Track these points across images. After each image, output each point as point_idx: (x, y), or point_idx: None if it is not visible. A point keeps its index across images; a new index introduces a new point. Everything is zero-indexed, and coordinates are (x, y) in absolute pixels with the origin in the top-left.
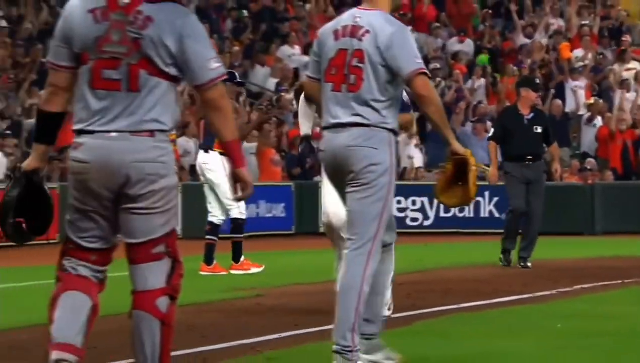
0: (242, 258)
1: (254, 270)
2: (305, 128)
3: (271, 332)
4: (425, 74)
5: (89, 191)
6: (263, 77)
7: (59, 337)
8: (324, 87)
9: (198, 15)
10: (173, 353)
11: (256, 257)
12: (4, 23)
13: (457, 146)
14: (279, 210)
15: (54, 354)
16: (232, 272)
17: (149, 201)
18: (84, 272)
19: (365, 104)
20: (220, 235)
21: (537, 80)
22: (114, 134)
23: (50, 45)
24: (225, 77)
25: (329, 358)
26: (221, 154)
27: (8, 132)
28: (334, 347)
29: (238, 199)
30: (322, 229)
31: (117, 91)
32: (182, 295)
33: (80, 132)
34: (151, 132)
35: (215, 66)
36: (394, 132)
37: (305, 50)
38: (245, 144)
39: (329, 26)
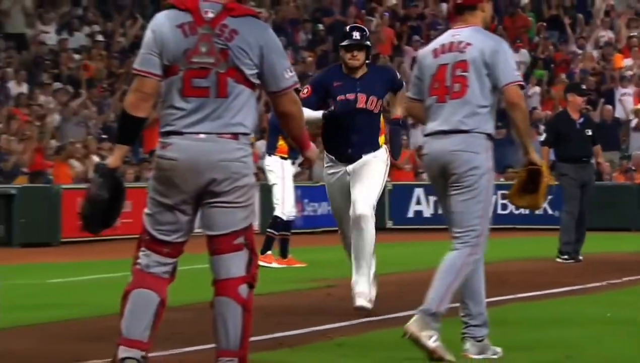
0: (269, 252)
1: (274, 265)
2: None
3: (341, 320)
4: (520, 85)
5: (174, 186)
6: None
7: (127, 334)
8: (428, 101)
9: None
10: (251, 339)
11: (329, 251)
12: (100, 37)
13: (534, 156)
14: None
15: (121, 350)
16: (260, 263)
17: (233, 196)
18: (155, 270)
19: (469, 109)
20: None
21: (583, 87)
22: (202, 136)
23: (139, 54)
24: (298, 86)
25: (394, 344)
26: (282, 158)
27: (104, 136)
28: (420, 308)
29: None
30: (389, 225)
31: (207, 98)
32: (260, 285)
33: (169, 133)
34: (235, 135)
35: (289, 76)
36: (491, 137)
37: (373, 61)
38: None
39: (427, 48)
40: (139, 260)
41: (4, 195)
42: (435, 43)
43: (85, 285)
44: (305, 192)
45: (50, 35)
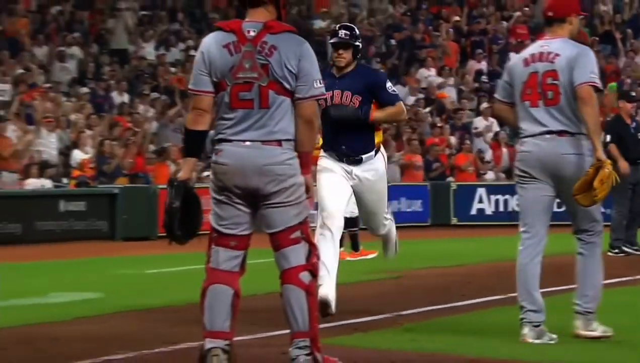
0: (342, 248)
1: (348, 259)
2: None
3: (410, 307)
4: (594, 86)
5: (228, 187)
6: (404, 95)
7: (210, 326)
8: (520, 105)
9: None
10: (329, 324)
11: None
12: (193, 52)
13: (601, 154)
14: (417, 205)
15: (207, 342)
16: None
17: (282, 196)
18: (226, 266)
19: (566, 115)
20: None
21: (633, 94)
22: (248, 143)
23: (192, 76)
24: (324, 97)
25: (458, 329)
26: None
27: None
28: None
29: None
30: (454, 222)
31: (251, 109)
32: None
33: (220, 141)
34: (279, 141)
35: (318, 86)
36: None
37: (439, 73)
38: (396, 154)
39: (518, 57)
40: (210, 258)
41: (108, 194)
42: (525, 53)
43: (180, 275)
44: None
45: (149, 51)
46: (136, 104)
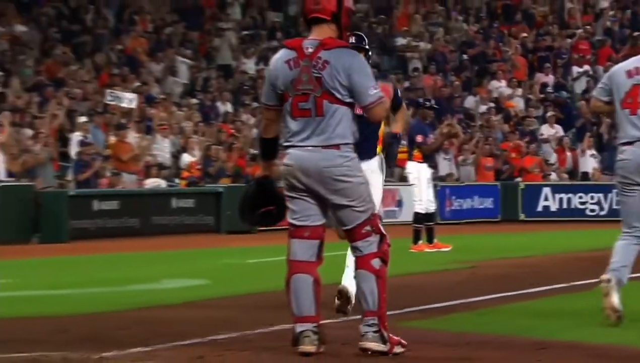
0: (421, 242)
1: (426, 250)
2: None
3: (483, 294)
4: None
5: (295, 185)
6: (475, 103)
7: (298, 312)
8: (620, 112)
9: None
10: (407, 309)
11: (472, 238)
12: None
13: None
14: (489, 203)
15: (297, 327)
16: (411, 250)
17: (346, 198)
18: (303, 257)
19: None
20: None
21: None
22: (310, 148)
23: (263, 92)
24: (382, 100)
25: (527, 314)
26: (418, 163)
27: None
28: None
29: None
30: (521, 217)
31: (309, 117)
32: (415, 266)
33: (286, 146)
34: (337, 145)
35: (373, 93)
36: None
37: (509, 84)
38: (470, 157)
39: (620, 67)
40: (289, 251)
41: (214, 192)
42: (627, 65)
43: (277, 264)
44: (453, 190)
45: (250, 66)
46: (239, 113)
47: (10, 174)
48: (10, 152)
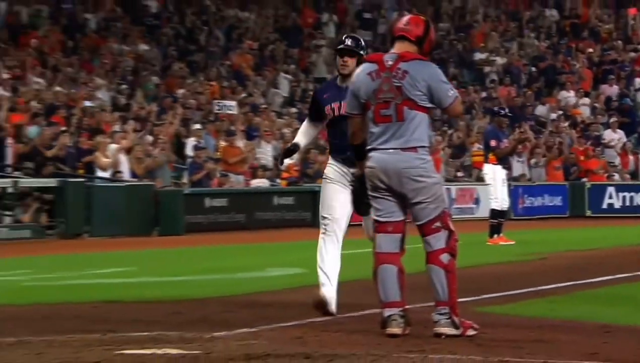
0: (496, 236)
1: (501, 243)
2: (298, 140)
3: (552, 282)
4: None
5: (378, 185)
6: (546, 111)
7: (385, 299)
8: None
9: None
10: (484, 296)
11: (543, 232)
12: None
13: None
14: (558, 200)
15: (385, 311)
16: (488, 243)
17: (420, 196)
18: (387, 249)
19: None
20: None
21: None
22: (390, 150)
23: (347, 102)
24: (458, 100)
25: (593, 300)
26: (493, 165)
27: None
28: None
29: None
30: (588, 214)
31: (390, 123)
32: (490, 257)
33: (370, 150)
34: (415, 148)
35: (450, 94)
36: None
37: (576, 94)
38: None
39: None
40: (375, 244)
41: (312, 191)
42: None
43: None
44: (525, 189)
45: None
46: None
47: (134, 175)
48: (135, 156)
